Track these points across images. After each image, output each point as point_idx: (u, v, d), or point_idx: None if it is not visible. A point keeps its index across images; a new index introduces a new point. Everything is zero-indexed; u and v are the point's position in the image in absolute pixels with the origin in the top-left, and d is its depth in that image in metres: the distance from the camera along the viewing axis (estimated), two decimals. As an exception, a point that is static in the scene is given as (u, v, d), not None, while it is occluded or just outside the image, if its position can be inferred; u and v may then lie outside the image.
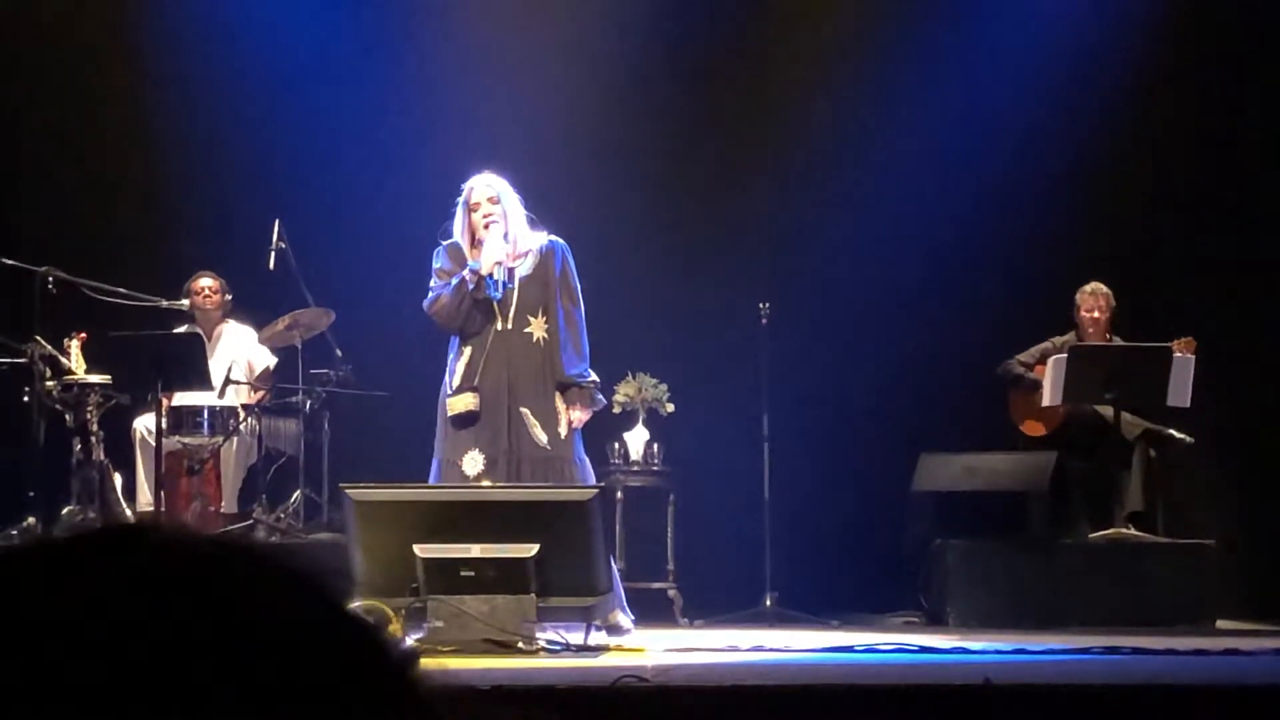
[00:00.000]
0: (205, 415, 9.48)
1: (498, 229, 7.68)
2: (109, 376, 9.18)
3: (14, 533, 8.83)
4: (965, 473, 9.48)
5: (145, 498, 9.42)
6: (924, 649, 7.21)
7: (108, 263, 9.75)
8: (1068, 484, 9.48)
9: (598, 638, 7.19)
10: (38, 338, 9.12)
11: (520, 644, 6.65)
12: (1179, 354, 9.27)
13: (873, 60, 10.71)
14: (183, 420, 9.46)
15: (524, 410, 7.62)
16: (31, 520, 8.87)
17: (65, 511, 9.08)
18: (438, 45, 10.70)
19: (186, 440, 9.47)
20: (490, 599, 6.77)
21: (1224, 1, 10.71)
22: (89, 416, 9.17)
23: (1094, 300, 9.84)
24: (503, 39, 10.74)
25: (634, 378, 9.76)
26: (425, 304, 7.79)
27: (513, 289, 7.71)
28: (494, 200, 7.72)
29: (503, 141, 9.59)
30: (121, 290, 9.49)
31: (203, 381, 9.21)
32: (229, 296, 9.99)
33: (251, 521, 9.26)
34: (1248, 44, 10.54)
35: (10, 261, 9.26)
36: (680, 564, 9.59)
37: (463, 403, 7.62)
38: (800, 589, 9.38)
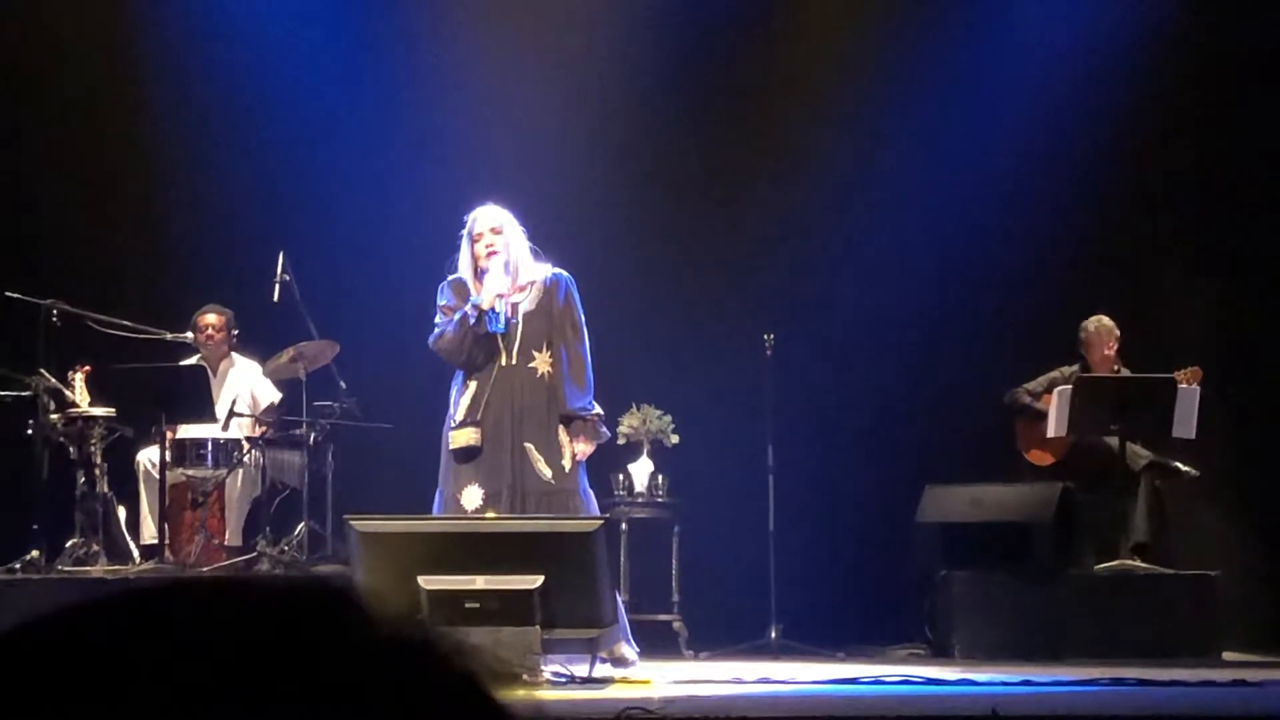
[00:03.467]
0: (209, 448, 9.47)
1: (499, 259, 7.66)
2: (113, 409, 9.17)
3: (17, 566, 8.81)
4: (970, 504, 9.45)
5: (149, 530, 9.40)
6: (930, 680, 7.19)
7: (112, 295, 9.75)
8: (1073, 515, 9.46)
9: (603, 670, 7.17)
10: (42, 370, 9.11)
11: (525, 676, 6.63)
12: (1184, 385, 9.26)
13: (878, 88, 10.72)
14: (187, 453, 9.45)
15: (528, 445, 7.59)
16: (35, 553, 8.86)
17: (69, 544, 9.06)
18: (442, 78, 10.72)
19: (190, 473, 9.46)
20: (495, 631, 6.75)
21: (1235, 27, 10.69)
22: (93, 449, 9.17)
23: (1098, 337, 9.82)
24: (507, 72, 10.76)
25: (638, 409, 9.75)
26: (430, 340, 7.78)
27: (516, 323, 7.69)
28: (497, 230, 7.70)
29: (508, 173, 9.59)
30: (126, 323, 9.49)
31: (207, 414, 9.20)
32: (235, 332, 9.97)
33: (255, 554, 9.24)
34: (1259, 67, 10.54)
35: (15, 295, 9.27)
36: (685, 596, 9.58)
37: (464, 437, 7.59)
38: (805, 621, 9.35)
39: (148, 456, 9.50)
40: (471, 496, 7.54)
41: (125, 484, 9.52)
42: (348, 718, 0.74)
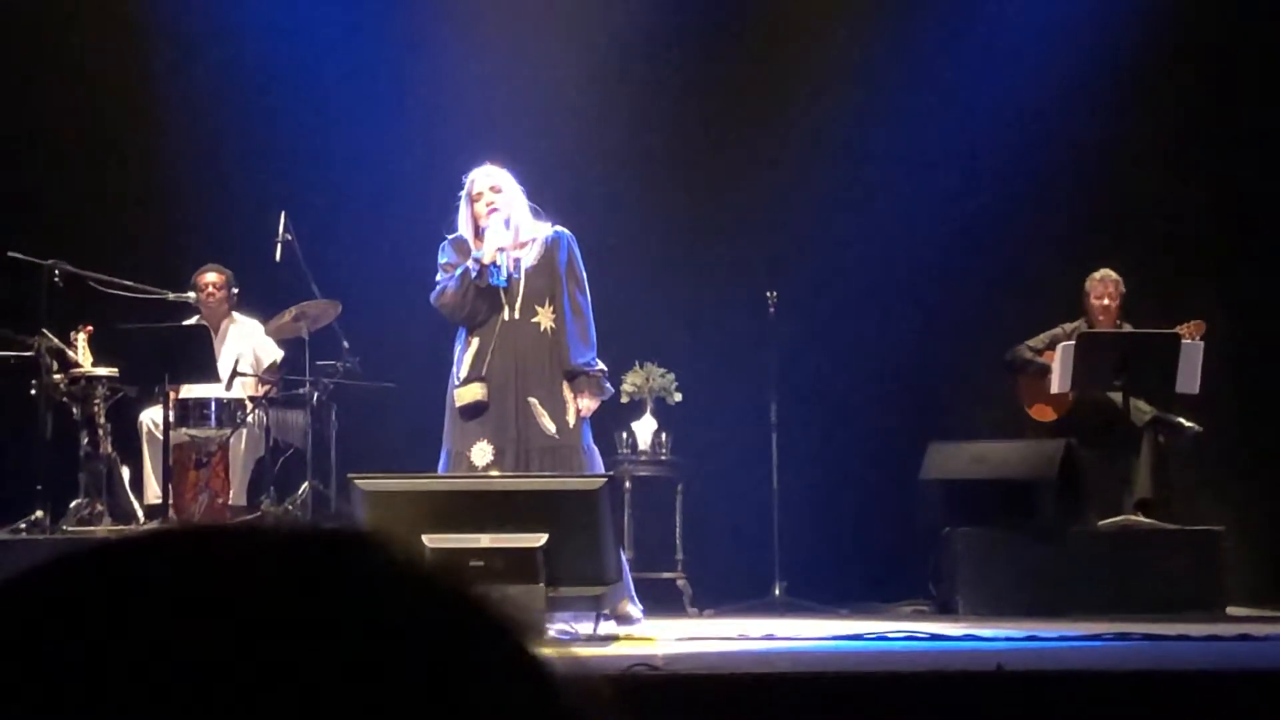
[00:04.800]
0: (213, 408, 9.47)
1: (499, 216, 7.66)
2: (116, 369, 9.17)
3: (21, 526, 8.82)
4: (974, 461, 9.45)
5: (153, 490, 9.41)
6: (934, 637, 7.20)
7: (114, 255, 9.74)
8: (1077, 472, 9.45)
9: (607, 627, 7.19)
10: (44, 331, 9.11)
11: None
12: (1188, 340, 9.25)
13: (881, 46, 10.68)
14: (190, 413, 9.45)
15: (532, 400, 7.60)
16: (39, 513, 8.87)
17: (73, 505, 9.07)
18: (443, 36, 10.69)
19: (194, 433, 9.46)
20: (499, 589, 6.73)
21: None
22: (96, 409, 9.17)
23: (1103, 287, 9.83)
24: (507, 29, 10.73)
25: (642, 367, 9.75)
26: (432, 297, 7.78)
27: (519, 279, 7.69)
28: (496, 189, 7.71)
29: (508, 132, 9.58)
30: (128, 283, 9.49)
31: (210, 374, 9.20)
32: (235, 290, 9.97)
33: (260, 514, 9.25)
34: (1259, 23, 10.50)
35: (17, 255, 9.26)
36: (689, 553, 9.59)
37: (470, 393, 7.60)
38: (809, 578, 9.37)
39: (150, 417, 9.51)
40: (481, 453, 7.54)
41: (128, 444, 9.52)
42: (384, 669, 0.72)
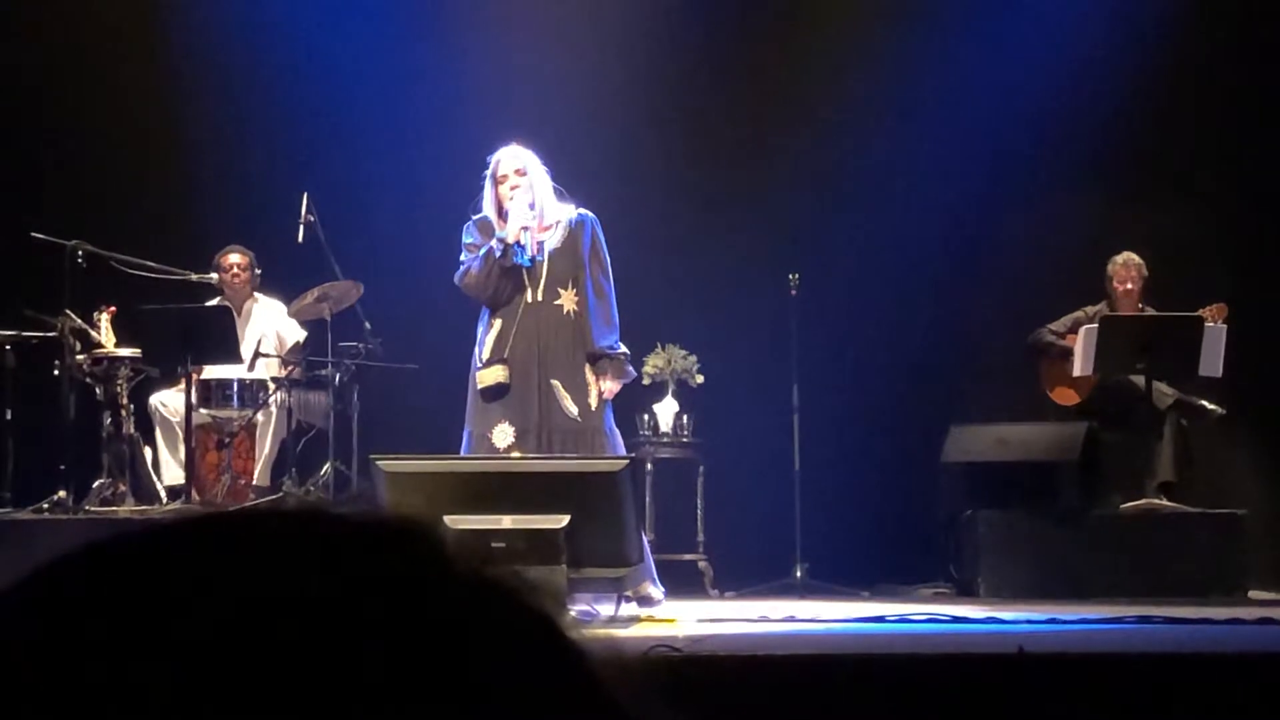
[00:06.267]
0: (235, 388, 9.49)
1: (523, 196, 7.66)
2: (139, 350, 9.20)
3: (44, 506, 8.85)
4: (996, 443, 9.44)
5: (170, 472, 9.43)
6: (956, 619, 7.20)
7: (137, 236, 9.76)
8: (1099, 455, 9.45)
9: (629, 609, 7.19)
10: (68, 311, 9.13)
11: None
12: (1211, 323, 9.23)
13: (904, 29, 10.66)
14: (213, 394, 9.46)
15: (555, 382, 7.60)
16: (62, 493, 8.89)
17: (95, 485, 9.10)
18: (466, 16, 10.68)
19: (216, 413, 9.48)
20: (521, 571, 6.74)
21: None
22: (119, 390, 9.19)
23: (1126, 271, 9.81)
24: (531, 10, 10.72)
25: (663, 349, 9.75)
26: (456, 277, 7.79)
27: (542, 261, 7.69)
28: (520, 172, 7.71)
29: (531, 113, 9.56)
30: (151, 264, 9.50)
31: (232, 355, 9.22)
32: (258, 271, 9.98)
33: (282, 494, 9.27)
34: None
35: (40, 235, 9.27)
36: (710, 535, 9.59)
37: (493, 375, 7.60)
38: (831, 560, 9.36)
39: (160, 399, 9.54)
40: (503, 434, 7.55)
41: (151, 425, 9.55)
42: (433, 658, 0.72)
